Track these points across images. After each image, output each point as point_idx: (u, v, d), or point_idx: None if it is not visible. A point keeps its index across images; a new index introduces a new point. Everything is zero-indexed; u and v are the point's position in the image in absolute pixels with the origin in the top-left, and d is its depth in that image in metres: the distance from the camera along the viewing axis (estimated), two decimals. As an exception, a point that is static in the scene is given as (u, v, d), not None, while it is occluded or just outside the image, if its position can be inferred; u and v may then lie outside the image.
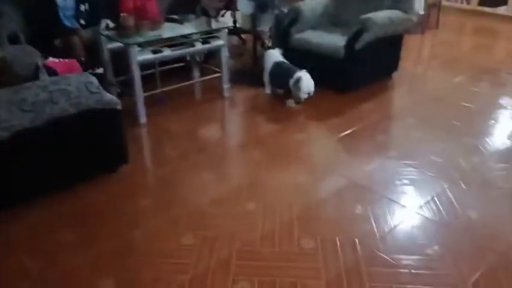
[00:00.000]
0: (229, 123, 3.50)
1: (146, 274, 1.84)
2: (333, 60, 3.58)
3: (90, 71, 3.08)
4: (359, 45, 3.48)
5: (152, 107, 3.27)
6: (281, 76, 3.45)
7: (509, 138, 2.97)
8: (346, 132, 3.06)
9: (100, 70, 3.29)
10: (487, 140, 2.97)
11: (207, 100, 3.70)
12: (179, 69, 3.83)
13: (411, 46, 5.13)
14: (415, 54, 5.17)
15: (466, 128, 3.13)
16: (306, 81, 3.28)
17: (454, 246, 1.97)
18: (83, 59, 3.13)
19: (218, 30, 3.50)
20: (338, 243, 2.00)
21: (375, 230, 2.09)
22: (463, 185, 2.43)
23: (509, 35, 5.93)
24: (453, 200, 2.30)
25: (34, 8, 3.21)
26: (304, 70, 3.33)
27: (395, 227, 2.11)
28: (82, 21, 3.39)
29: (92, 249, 1.98)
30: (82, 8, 3.39)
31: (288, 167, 2.67)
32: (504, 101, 3.62)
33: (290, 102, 3.43)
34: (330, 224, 2.14)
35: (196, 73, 3.89)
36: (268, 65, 3.59)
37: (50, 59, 2.66)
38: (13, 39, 2.78)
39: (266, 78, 3.64)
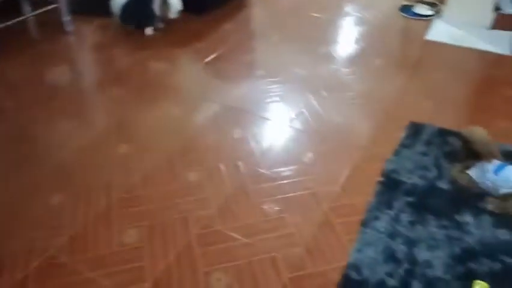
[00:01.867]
0: (79, 62, 3.07)
1: (17, 248, 1.59)
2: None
3: None
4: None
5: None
6: (137, 7, 3.10)
7: (356, 43, 3.24)
8: (212, 57, 2.95)
9: None
10: (339, 46, 3.19)
11: (47, 38, 3.15)
12: (2, 4, 3.12)
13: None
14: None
15: (320, 37, 3.29)
16: None
17: (324, 150, 2.14)
18: None
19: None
20: (222, 168, 1.99)
21: (255, 149, 2.13)
22: (324, 93, 2.60)
23: None
24: (318, 108, 2.45)
25: None
26: None
27: (272, 142, 2.18)
28: None
29: None
30: None
31: (156, 100, 2.49)
32: (348, 8, 3.88)
33: (149, 30, 3.13)
34: (212, 152, 2.11)
35: (26, 7, 3.22)
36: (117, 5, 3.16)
37: None
38: None
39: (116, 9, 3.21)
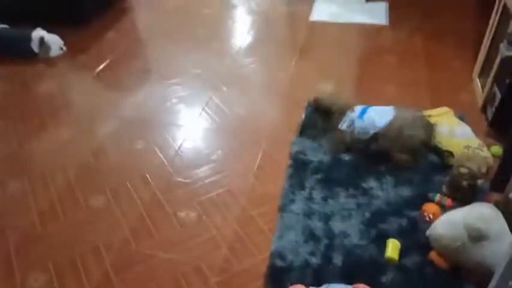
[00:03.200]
0: None
1: None
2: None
3: None
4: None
5: None
6: (12, 46, 2.84)
7: (247, 34, 3.27)
8: (100, 68, 2.77)
9: None
10: (232, 40, 3.19)
11: None
12: None
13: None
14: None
15: (211, 33, 3.26)
16: (50, 38, 2.83)
17: (233, 145, 2.12)
18: None
19: None
20: (130, 186, 1.88)
21: (163, 157, 2.04)
22: (224, 88, 2.58)
23: None
24: (220, 105, 2.43)
25: None
26: (38, 28, 2.83)
27: (179, 147, 2.11)
28: None
29: None
30: None
31: (45, 127, 2.27)
32: (235, 0, 3.90)
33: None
34: (116, 171, 1.98)
35: None
36: None
37: None
38: None
39: None
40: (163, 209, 1.77)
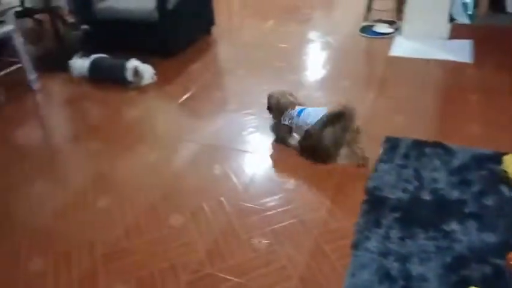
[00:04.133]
0: (50, 118, 3.02)
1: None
2: (148, 25, 3.37)
3: None
4: (170, 5, 3.33)
5: None
6: (110, 74, 3.16)
7: (323, 68, 3.32)
8: (184, 98, 2.97)
9: None
10: (307, 73, 3.26)
11: (13, 98, 3.11)
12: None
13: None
14: (226, 6, 5.26)
15: (288, 66, 3.36)
16: (143, 67, 3.11)
17: (306, 175, 2.14)
18: None
19: (1, 14, 2.89)
20: (206, 208, 1.96)
21: (237, 183, 2.11)
22: (299, 119, 2.63)
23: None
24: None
25: None
26: (132, 59, 3.13)
27: (253, 175, 2.17)
28: None
29: None
30: None
31: (133, 148, 2.47)
32: (312, 35, 4.00)
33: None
34: (193, 192, 2.08)
35: (-12, 70, 3.20)
36: (82, 69, 3.23)
37: None
38: None
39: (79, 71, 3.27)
40: (237, 234, 1.81)
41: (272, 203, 1.97)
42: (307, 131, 2.15)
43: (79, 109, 2.99)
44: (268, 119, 2.65)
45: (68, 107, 3.04)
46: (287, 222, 1.85)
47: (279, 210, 1.93)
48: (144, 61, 3.20)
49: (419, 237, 1.68)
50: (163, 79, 3.22)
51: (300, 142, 2.24)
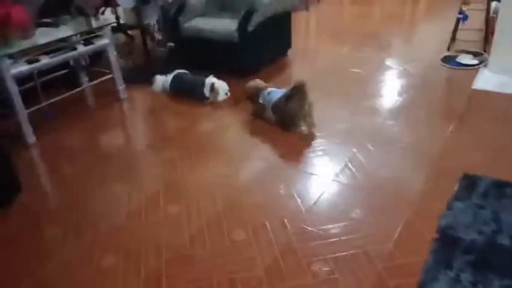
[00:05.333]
0: (132, 126, 3.27)
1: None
2: (229, 45, 3.53)
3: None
4: (251, 27, 3.47)
5: (40, 124, 2.92)
6: (189, 89, 3.37)
7: (399, 96, 3.23)
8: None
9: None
10: (381, 100, 3.19)
11: (102, 105, 3.41)
12: (64, 77, 3.47)
13: (299, 22, 5.30)
14: (304, 29, 5.35)
15: (361, 92, 3.32)
16: (219, 84, 3.28)
17: (373, 206, 2.08)
18: None
19: (99, 28, 3.21)
20: (268, 226, 1.98)
21: (301, 205, 2.11)
22: (370, 147, 2.57)
23: (382, 1, 6.46)
24: (364, 162, 2.42)
25: None
26: (211, 75, 3.32)
27: (318, 198, 2.16)
28: None
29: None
30: None
31: (204, 160, 2.57)
32: (388, 62, 3.92)
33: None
34: (257, 209, 2.11)
35: (83, 78, 3.55)
36: (165, 83, 3.50)
37: None
38: None
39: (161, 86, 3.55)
40: (297, 256, 1.80)
41: (335, 230, 1.93)
42: (275, 105, 2.79)
43: (158, 119, 3.19)
44: (338, 143, 2.64)
45: (149, 117, 3.27)
46: (350, 252, 1.81)
47: (342, 238, 1.89)
48: (222, 79, 3.36)
49: (493, 284, 1.55)
50: (237, 96, 3.34)
51: (272, 113, 2.85)
